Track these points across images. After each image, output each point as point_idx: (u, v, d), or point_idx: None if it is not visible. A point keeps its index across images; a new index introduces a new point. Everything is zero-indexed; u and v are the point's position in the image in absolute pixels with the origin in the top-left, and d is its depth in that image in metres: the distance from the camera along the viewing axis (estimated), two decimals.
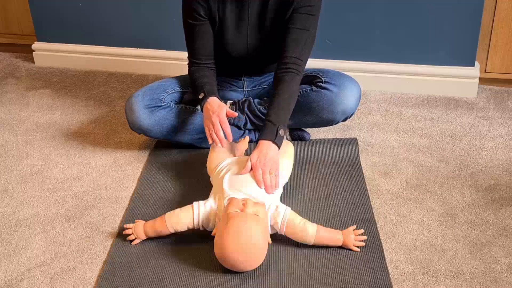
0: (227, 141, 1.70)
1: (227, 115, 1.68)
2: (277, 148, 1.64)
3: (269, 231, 1.49)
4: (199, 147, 1.97)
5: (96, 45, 2.68)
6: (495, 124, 2.16)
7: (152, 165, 1.91)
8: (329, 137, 2.06)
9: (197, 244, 1.52)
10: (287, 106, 1.70)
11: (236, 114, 1.71)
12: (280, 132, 1.64)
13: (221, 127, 1.66)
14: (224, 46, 1.84)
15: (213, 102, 1.71)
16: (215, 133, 1.66)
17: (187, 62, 1.87)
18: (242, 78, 1.99)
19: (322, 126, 1.97)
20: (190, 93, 1.94)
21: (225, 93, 1.99)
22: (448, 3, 2.24)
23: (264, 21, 1.79)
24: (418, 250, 1.51)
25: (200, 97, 1.75)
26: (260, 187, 1.54)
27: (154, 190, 1.78)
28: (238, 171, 1.58)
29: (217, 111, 1.67)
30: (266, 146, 1.61)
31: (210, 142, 1.69)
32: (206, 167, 1.75)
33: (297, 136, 2.00)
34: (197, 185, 1.77)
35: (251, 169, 1.57)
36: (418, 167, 1.89)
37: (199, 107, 1.92)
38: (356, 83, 1.88)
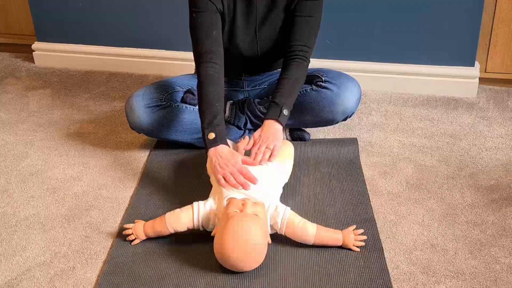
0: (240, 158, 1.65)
1: (242, 162, 1.61)
2: (281, 126, 1.70)
3: (269, 231, 1.49)
4: (199, 147, 1.97)
5: (96, 45, 2.68)
6: (495, 124, 2.16)
7: (152, 165, 1.91)
8: (329, 137, 2.06)
9: (197, 244, 1.52)
10: (291, 89, 1.73)
11: (256, 163, 1.62)
12: (284, 111, 1.70)
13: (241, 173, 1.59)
14: (233, 44, 1.84)
15: (224, 150, 1.62)
16: (236, 180, 1.55)
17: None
18: (243, 78, 1.99)
19: (322, 126, 1.97)
20: (191, 94, 1.93)
21: (225, 93, 1.98)
22: (448, 3, 2.24)
23: (272, 16, 1.79)
24: (418, 250, 1.51)
25: (209, 137, 1.62)
26: (251, 159, 1.61)
27: (154, 190, 1.78)
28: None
29: (233, 160, 1.59)
30: (269, 124, 1.69)
31: (226, 188, 1.55)
32: (206, 167, 1.75)
33: (297, 136, 2.00)
34: (197, 185, 1.77)
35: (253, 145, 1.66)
36: (418, 167, 1.89)
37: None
38: (356, 83, 1.88)
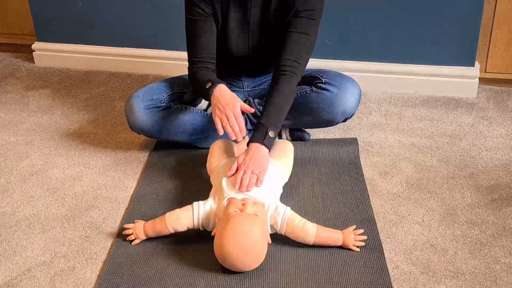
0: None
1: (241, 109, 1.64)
2: (267, 150, 1.62)
3: (269, 231, 1.49)
4: (199, 147, 1.97)
5: (96, 45, 2.68)
6: (495, 124, 2.16)
7: (152, 165, 1.91)
8: (329, 137, 2.06)
9: (197, 244, 1.52)
10: (279, 107, 1.69)
11: (253, 110, 1.66)
12: (269, 133, 1.63)
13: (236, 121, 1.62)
14: (226, 46, 1.84)
15: (225, 91, 1.66)
16: (231, 127, 1.60)
17: (187, 64, 1.85)
18: (242, 79, 1.99)
19: (322, 127, 1.97)
20: (191, 93, 1.94)
21: None
22: (448, 3, 2.24)
23: (266, 22, 1.79)
24: (418, 250, 1.51)
25: (207, 86, 1.67)
26: (235, 187, 1.52)
27: (154, 190, 1.78)
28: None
29: (232, 103, 1.62)
30: (254, 148, 1.61)
31: (221, 133, 1.62)
32: (206, 167, 1.75)
33: (297, 136, 2.00)
34: (197, 185, 1.77)
35: (236, 170, 1.56)
36: (418, 167, 1.89)
37: (200, 106, 1.92)
38: (356, 84, 1.88)
